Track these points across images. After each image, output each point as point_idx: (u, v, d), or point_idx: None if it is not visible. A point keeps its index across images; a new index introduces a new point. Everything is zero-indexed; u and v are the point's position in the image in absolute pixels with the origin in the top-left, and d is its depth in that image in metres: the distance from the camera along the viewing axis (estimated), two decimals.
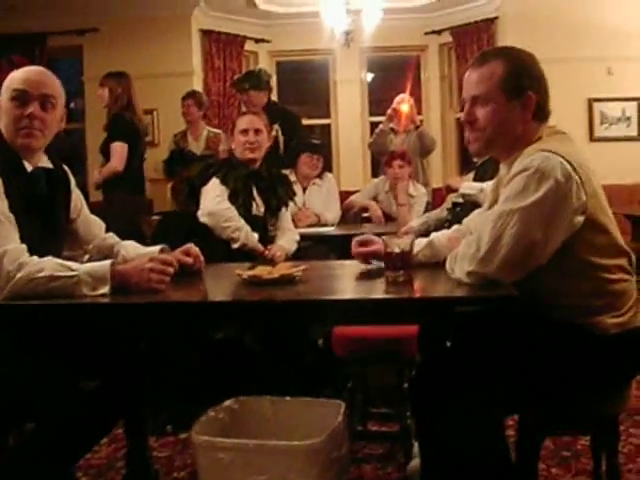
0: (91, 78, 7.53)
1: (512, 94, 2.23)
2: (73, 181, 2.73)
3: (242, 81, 6.17)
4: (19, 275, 2.20)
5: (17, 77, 2.47)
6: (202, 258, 2.71)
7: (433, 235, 2.62)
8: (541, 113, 2.26)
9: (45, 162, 2.58)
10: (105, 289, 2.26)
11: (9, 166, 2.42)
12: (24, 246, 2.28)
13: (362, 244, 2.68)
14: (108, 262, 2.32)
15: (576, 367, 2.13)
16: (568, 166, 2.07)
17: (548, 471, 3.04)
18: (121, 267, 2.35)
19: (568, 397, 2.17)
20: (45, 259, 2.27)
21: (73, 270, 2.25)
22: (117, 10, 7.67)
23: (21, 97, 2.44)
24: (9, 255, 2.23)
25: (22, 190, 2.42)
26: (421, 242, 2.57)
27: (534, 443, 2.32)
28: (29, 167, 2.50)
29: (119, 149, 5.58)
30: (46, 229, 2.45)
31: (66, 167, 2.71)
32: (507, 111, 2.25)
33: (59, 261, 2.28)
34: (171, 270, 2.37)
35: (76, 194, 2.73)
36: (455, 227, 2.68)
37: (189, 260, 2.67)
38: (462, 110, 2.37)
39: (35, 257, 2.26)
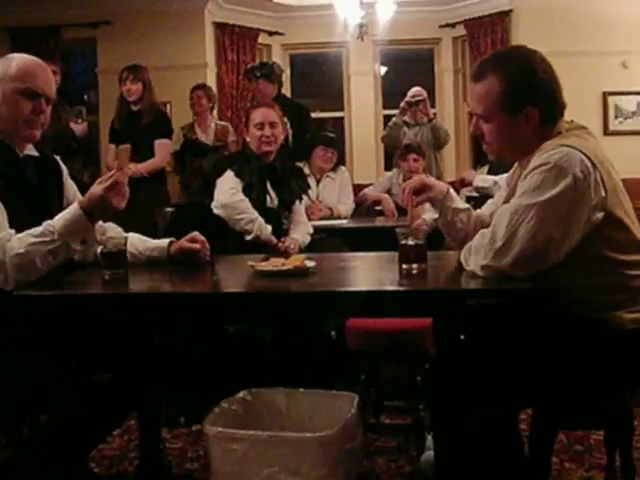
0: (105, 70, 7.55)
1: (511, 111, 2.21)
2: (66, 171, 2.72)
3: (254, 69, 6.19)
4: (8, 259, 2.18)
5: (27, 72, 2.46)
6: (208, 245, 2.72)
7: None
8: (550, 117, 2.23)
9: (32, 151, 2.59)
10: (89, 236, 2.32)
11: (0, 153, 2.43)
12: (11, 231, 2.26)
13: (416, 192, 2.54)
14: (76, 207, 2.31)
15: (592, 362, 2.12)
16: (588, 162, 2.05)
17: (561, 465, 3.03)
18: (85, 204, 2.33)
19: (583, 392, 2.16)
20: (23, 235, 2.24)
21: (54, 237, 2.24)
22: (130, 2, 7.66)
23: (32, 94, 2.45)
24: None
25: (13, 176, 2.43)
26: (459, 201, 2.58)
27: (548, 437, 2.31)
28: (20, 154, 2.52)
29: (167, 147, 5.70)
30: (36, 215, 2.38)
31: (57, 157, 2.71)
32: (509, 126, 2.24)
33: (37, 231, 2.25)
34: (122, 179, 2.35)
35: (69, 184, 2.72)
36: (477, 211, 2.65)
37: (196, 246, 2.68)
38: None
39: (15, 237, 2.23)
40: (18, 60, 2.49)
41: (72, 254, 2.31)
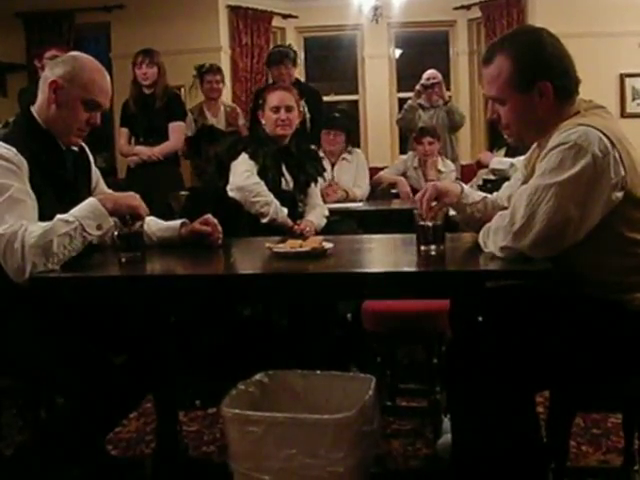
0: (118, 55, 7.52)
1: (524, 88, 2.20)
2: (92, 159, 2.77)
3: (283, 53, 6.08)
4: (26, 244, 2.18)
5: (97, 83, 2.50)
6: (220, 228, 2.72)
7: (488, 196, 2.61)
8: (565, 91, 2.22)
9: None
10: (108, 223, 2.33)
11: (44, 146, 2.46)
12: (37, 224, 2.25)
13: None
14: (92, 199, 2.37)
15: (609, 344, 2.11)
16: (607, 141, 2.03)
17: (578, 448, 3.03)
18: (105, 197, 2.44)
19: (601, 374, 2.15)
20: (43, 224, 2.25)
21: (69, 218, 2.26)
22: None
23: (94, 107, 2.51)
24: (19, 234, 2.20)
25: (53, 168, 2.47)
26: (474, 194, 2.58)
27: (565, 420, 2.30)
28: (63, 147, 2.56)
29: (181, 129, 5.73)
30: (69, 206, 2.43)
31: (84, 145, 2.72)
32: (524, 105, 2.23)
33: (57, 217, 2.27)
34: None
35: (94, 171, 2.76)
36: (493, 195, 2.64)
37: (207, 229, 2.68)
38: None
39: (33, 226, 2.23)
40: (89, 67, 2.52)
41: (88, 240, 2.31)
